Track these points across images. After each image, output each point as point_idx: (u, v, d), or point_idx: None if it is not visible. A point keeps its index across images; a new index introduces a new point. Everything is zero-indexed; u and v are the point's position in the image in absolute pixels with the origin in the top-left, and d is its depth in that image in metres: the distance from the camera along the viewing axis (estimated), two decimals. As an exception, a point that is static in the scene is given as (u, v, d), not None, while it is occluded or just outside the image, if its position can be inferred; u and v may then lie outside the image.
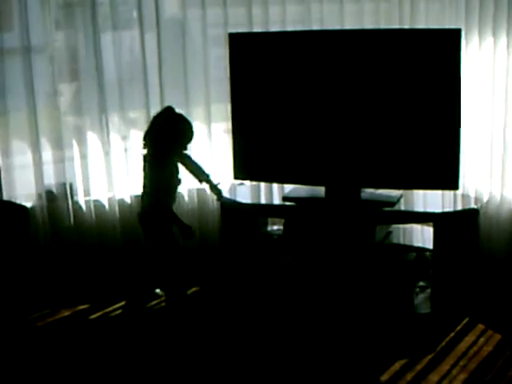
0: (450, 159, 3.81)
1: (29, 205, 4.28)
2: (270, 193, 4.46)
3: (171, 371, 3.47)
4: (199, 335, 3.83)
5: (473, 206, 4.06)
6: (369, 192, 4.10)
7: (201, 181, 4.19)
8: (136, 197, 4.32)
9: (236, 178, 4.28)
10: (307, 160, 4.09)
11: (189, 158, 4.13)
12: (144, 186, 4.03)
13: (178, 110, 4.02)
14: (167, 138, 3.94)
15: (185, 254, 4.23)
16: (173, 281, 4.12)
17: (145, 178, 4.02)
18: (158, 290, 4.24)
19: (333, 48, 3.92)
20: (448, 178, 3.85)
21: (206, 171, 4.19)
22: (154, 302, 4.20)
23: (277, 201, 4.36)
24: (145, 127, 4.36)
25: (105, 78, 4.34)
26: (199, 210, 4.57)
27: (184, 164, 4.11)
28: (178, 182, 4.05)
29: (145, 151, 4.01)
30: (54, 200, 4.39)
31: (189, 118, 4.08)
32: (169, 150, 3.96)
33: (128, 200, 4.48)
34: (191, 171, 4.16)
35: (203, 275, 4.51)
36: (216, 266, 4.45)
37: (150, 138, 3.98)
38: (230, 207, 4.24)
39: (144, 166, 4.02)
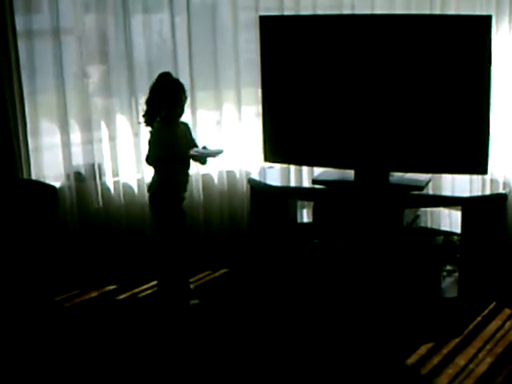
0: (479, 144, 3.82)
1: (57, 185, 4.28)
2: (299, 176, 4.47)
3: (199, 353, 3.51)
4: (225, 319, 3.87)
5: (501, 190, 4.07)
6: (398, 176, 4.11)
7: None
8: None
9: (266, 160, 4.29)
10: (337, 143, 4.10)
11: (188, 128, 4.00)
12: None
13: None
14: (155, 101, 3.83)
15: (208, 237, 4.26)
16: (171, 268, 3.96)
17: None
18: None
19: (363, 32, 3.92)
20: (477, 163, 3.85)
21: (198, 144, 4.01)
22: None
23: (306, 184, 4.38)
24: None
25: (134, 60, 4.35)
26: (229, 191, 4.59)
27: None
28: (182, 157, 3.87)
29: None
30: (83, 180, 4.42)
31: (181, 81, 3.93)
32: (159, 112, 3.83)
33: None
34: None
35: (232, 257, 4.54)
36: (245, 248, 4.48)
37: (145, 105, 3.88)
38: (259, 189, 4.27)
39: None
